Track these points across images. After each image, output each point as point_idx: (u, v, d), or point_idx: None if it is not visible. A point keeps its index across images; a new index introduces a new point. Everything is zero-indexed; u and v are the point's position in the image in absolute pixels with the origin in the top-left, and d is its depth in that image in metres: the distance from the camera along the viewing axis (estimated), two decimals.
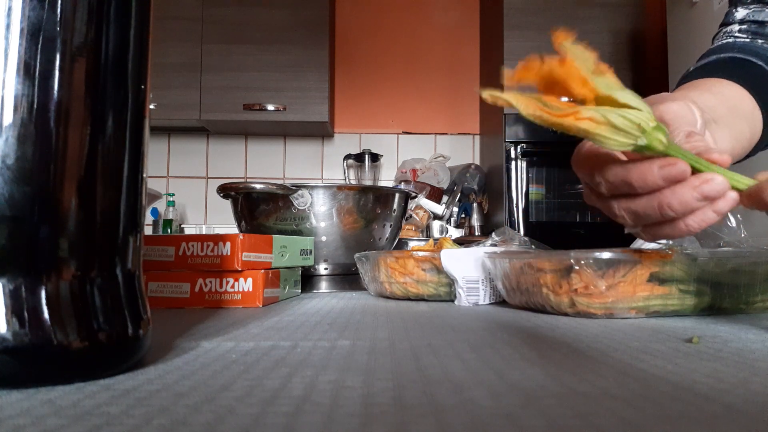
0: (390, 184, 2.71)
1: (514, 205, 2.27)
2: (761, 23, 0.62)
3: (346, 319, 0.46)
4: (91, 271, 0.24)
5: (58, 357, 0.23)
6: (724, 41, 0.64)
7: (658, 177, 0.34)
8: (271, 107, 2.44)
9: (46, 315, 0.23)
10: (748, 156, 0.57)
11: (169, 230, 2.51)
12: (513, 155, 2.27)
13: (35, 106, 0.23)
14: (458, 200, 2.44)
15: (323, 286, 0.80)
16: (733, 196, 0.34)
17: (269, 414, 0.19)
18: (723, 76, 0.55)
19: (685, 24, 1.91)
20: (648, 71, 2.35)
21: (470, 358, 0.29)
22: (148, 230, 2.50)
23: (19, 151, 0.22)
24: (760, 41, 0.62)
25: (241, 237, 0.56)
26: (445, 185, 2.56)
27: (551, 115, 0.30)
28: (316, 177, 2.78)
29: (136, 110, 0.27)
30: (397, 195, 0.84)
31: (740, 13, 0.65)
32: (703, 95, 0.49)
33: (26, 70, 0.23)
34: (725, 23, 0.66)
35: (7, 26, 0.22)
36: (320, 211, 0.76)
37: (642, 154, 0.34)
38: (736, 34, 0.64)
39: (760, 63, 0.57)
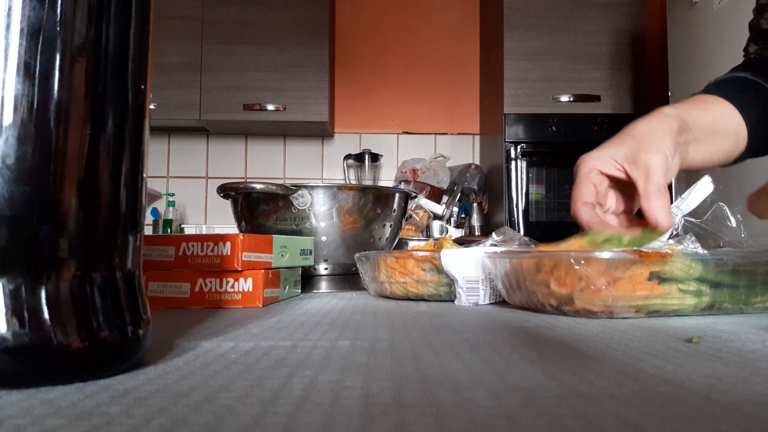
0: (390, 184, 2.71)
1: (514, 205, 2.27)
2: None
3: (346, 319, 0.46)
4: (91, 271, 0.24)
5: (58, 357, 0.23)
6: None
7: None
8: (271, 107, 2.45)
9: (46, 315, 0.23)
10: (736, 161, 0.67)
11: (169, 230, 2.52)
12: (513, 155, 2.27)
13: (35, 106, 0.23)
14: (458, 200, 2.44)
15: (323, 286, 0.80)
16: None
17: (269, 414, 0.19)
18: (724, 94, 0.64)
19: (685, 24, 1.90)
20: (648, 71, 2.35)
21: (470, 358, 0.29)
22: (148, 230, 2.50)
23: (19, 151, 0.22)
24: None
25: (241, 237, 0.56)
26: (445, 185, 2.56)
27: None
28: (316, 177, 2.78)
29: (136, 110, 0.27)
30: (397, 195, 0.84)
31: (752, 47, 0.72)
32: (697, 113, 0.61)
33: (26, 70, 0.23)
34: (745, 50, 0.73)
35: (7, 26, 0.22)
36: (320, 211, 0.76)
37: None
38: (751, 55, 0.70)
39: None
